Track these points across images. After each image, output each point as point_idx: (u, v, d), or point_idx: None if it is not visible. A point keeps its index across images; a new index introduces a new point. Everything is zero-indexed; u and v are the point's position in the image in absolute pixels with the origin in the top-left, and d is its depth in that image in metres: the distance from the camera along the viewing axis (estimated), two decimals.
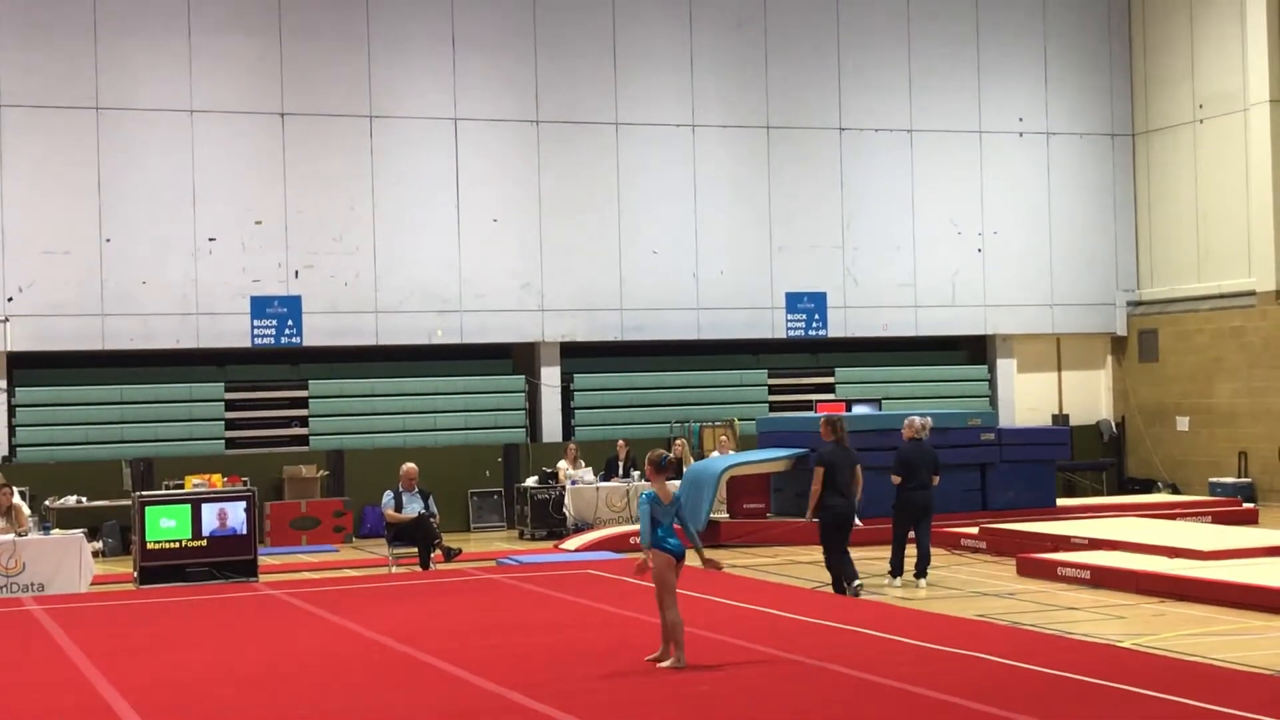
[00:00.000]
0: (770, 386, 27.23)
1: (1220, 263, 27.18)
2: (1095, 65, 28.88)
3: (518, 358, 26.14)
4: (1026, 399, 28.63)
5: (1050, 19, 28.60)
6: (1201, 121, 27.57)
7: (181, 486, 20.09)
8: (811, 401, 26.79)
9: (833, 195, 27.23)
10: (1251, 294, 26.41)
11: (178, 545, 17.65)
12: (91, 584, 17.31)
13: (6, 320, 22.88)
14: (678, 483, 16.59)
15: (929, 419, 16.85)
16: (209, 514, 17.80)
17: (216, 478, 20.77)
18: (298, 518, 23.06)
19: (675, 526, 11.25)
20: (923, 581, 16.15)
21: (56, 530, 17.98)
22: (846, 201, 27.29)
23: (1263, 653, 11.55)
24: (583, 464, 23.81)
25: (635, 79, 26.16)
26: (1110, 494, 27.36)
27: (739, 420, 25.69)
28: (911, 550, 16.44)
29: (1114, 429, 28.90)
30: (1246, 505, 23.80)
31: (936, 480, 16.48)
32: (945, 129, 27.88)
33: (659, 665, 11.04)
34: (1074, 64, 28.75)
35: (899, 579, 16.22)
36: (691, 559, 11.61)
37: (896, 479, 16.33)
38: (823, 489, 15.26)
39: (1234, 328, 26.79)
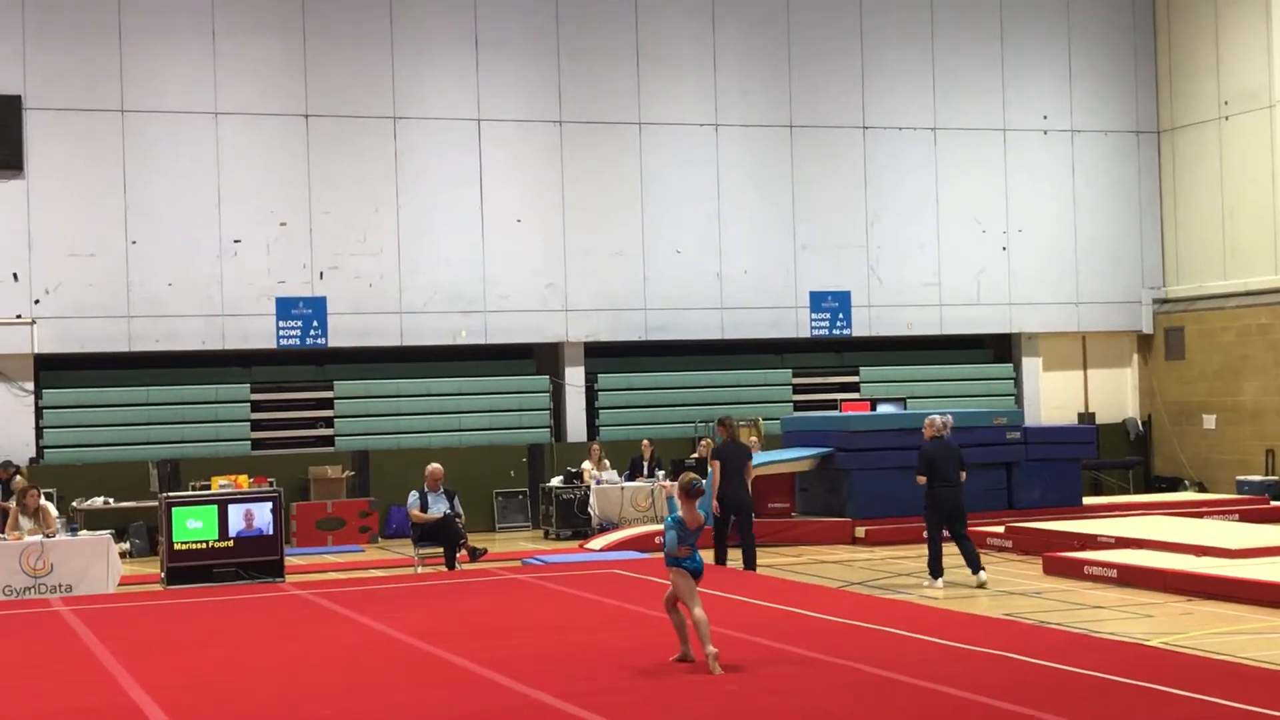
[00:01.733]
0: (795, 386, 27.20)
1: (1246, 260, 27.05)
2: (1120, 62, 28.78)
3: (542, 358, 26.15)
4: (1052, 397, 28.54)
5: (1074, 16, 28.50)
6: (1227, 118, 27.45)
7: (208, 487, 20.14)
8: (836, 401, 26.77)
9: (856, 194, 27.18)
10: (1278, 291, 26.27)
11: (204, 546, 17.70)
12: (119, 585, 17.38)
13: (33, 322, 22.99)
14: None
15: (949, 417, 16.75)
16: (235, 515, 17.85)
17: (243, 478, 20.82)
18: (324, 518, 23.13)
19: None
20: (982, 574, 15.97)
21: (84, 531, 18.06)
22: (870, 200, 27.24)
23: None
24: (607, 464, 23.82)
25: (658, 79, 26.15)
26: (1137, 492, 27.27)
27: (763, 420, 25.67)
28: (950, 549, 16.26)
29: (1140, 427, 28.80)
30: (1274, 503, 23.69)
31: (964, 476, 16.37)
32: (969, 127, 27.80)
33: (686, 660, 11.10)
34: (1098, 61, 28.64)
35: (940, 580, 15.99)
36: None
37: (921, 479, 16.22)
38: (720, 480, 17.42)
39: (1261, 325, 26.66)
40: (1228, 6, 27.41)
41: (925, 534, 16.43)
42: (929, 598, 15.28)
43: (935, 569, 16.10)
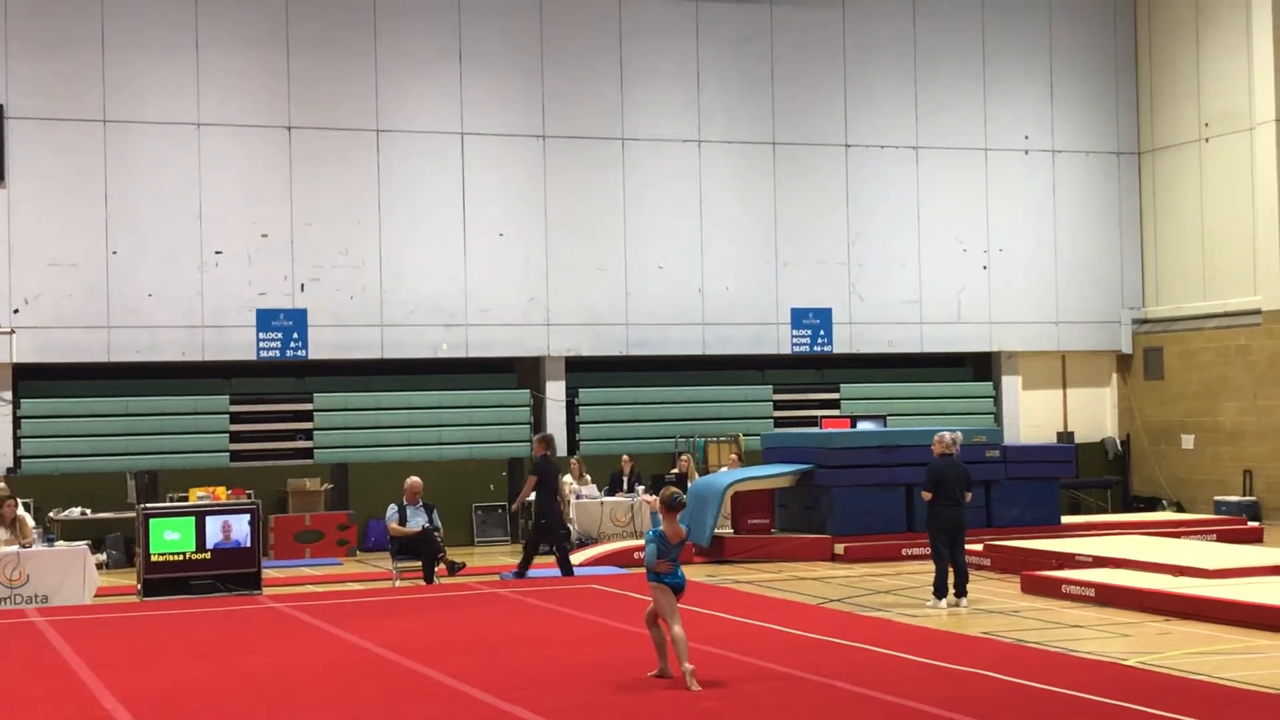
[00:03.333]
0: (775, 402, 27.22)
1: (1225, 281, 27.16)
2: (1101, 83, 28.91)
3: (523, 372, 26.13)
4: (1031, 416, 28.59)
5: (1056, 37, 28.63)
6: (1207, 140, 27.58)
7: (186, 499, 20.09)
8: (817, 417, 26.79)
9: (838, 211, 27.24)
10: (1257, 313, 26.39)
11: (182, 558, 17.65)
12: (95, 596, 17.30)
13: (13, 332, 22.89)
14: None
15: (959, 434, 16.54)
16: (213, 526, 17.80)
17: (221, 490, 20.78)
18: (302, 531, 23.05)
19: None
20: (964, 601, 15.79)
21: (61, 542, 17.97)
22: (852, 218, 27.30)
23: (1268, 671, 11.53)
24: (588, 478, 23.80)
25: (641, 94, 26.19)
26: (1115, 512, 27.31)
27: (744, 436, 25.69)
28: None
29: (1119, 447, 28.87)
30: (1251, 524, 23.76)
31: (969, 496, 16.27)
32: (951, 146, 27.90)
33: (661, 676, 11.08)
34: (1080, 82, 28.77)
35: (944, 600, 15.76)
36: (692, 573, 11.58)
37: (927, 495, 16.06)
38: (539, 493, 18.93)
39: (1239, 346, 26.77)
40: (1209, 29, 27.56)
41: (930, 552, 16.18)
42: (929, 616, 15.15)
43: (940, 589, 15.85)
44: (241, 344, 24.00)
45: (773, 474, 21.86)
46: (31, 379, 23.59)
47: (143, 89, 23.72)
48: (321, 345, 24.37)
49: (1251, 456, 26.46)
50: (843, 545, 20.81)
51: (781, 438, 23.52)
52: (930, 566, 16.37)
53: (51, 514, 21.38)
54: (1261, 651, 12.58)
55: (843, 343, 27.12)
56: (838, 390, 27.60)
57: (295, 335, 24.18)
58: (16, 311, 23.00)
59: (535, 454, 19.48)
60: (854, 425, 25.97)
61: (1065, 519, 23.07)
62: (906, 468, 20.73)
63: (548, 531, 19.11)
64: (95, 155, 23.40)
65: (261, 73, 24.27)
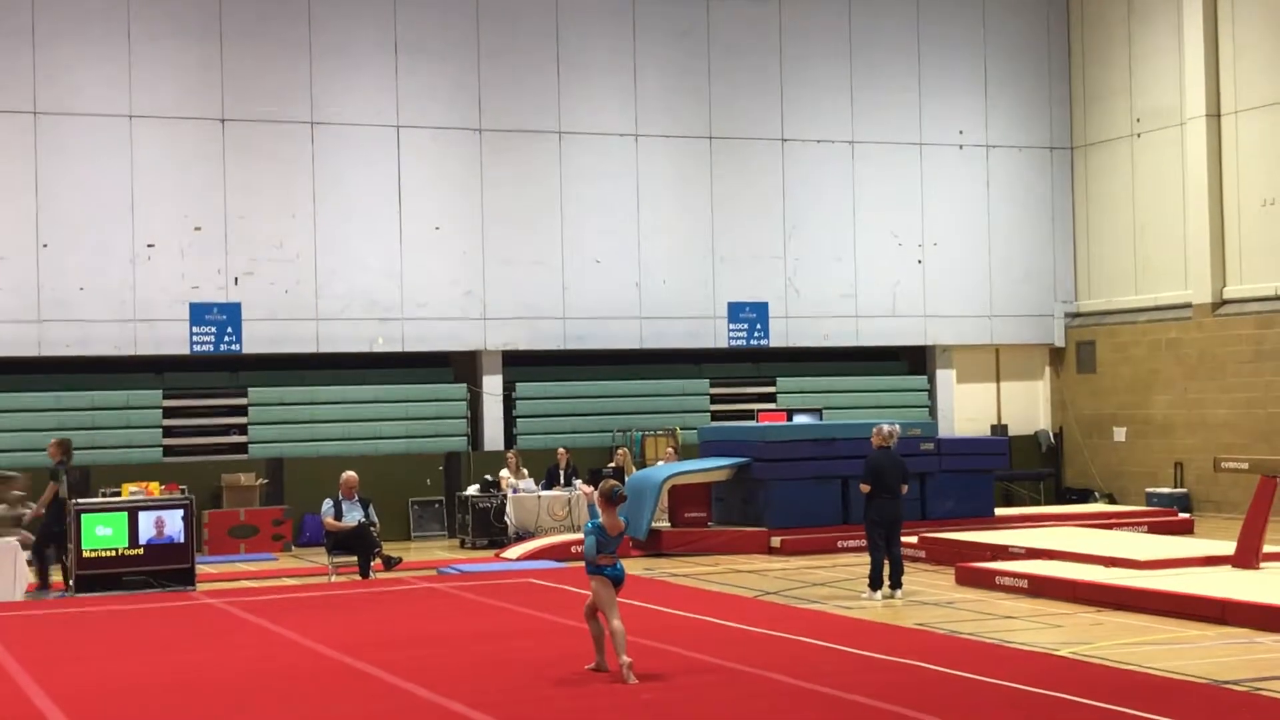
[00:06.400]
0: (712, 396, 27.28)
1: (1157, 275, 27.45)
2: (1035, 79, 29.14)
3: (459, 366, 26.05)
4: (965, 409, 28.80)
5: (990, 33, 28.83)
6: (1139, 136, 27.86)
7: (118, 494, 19.90)
8: (753, 411, 26.88)
9: (775, 206, 27.32)
10: (1188, 306, 26.68)
11: (114, 553, 17.48)
12: (26, 592, 17.12)
13: None
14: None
15: (897, 426, 16.58)
16: (146, 522, 17.65)
17: (154, 485, 20.60)
18: (236, 526, 22.90)
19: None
20: (898, 592, 15.88)
21: None
22: (788, 212, 27.39)
23: (1198, 661, 11.68)
24: (525, 473, 23.77)
25: (579, 88, 26.16)
26: (1048, 504, 27.56)
27: (681, 429, 25.74)
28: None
29: (1052, 439, 29.13)
30: (1182, 515, 24.05)
31: (905, 489, 16.34)
32: (886, 141, 28.03)
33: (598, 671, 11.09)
34: (1014, 78, 28.99)
35: (879, 593, 15.81)
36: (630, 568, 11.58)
37: (865, 487, 16.09)
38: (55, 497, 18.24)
39: (1170, 340, 27.06)
40: (1141, 27, 27.83)
41: (867, 544, 16.19)
42: (864, 608, 15.24)
43: (875, 581, 15.90)
44: (174, 338, 23.78)
45: (709, 467, 21.92)
46: None
47: (74, 80, 23.45)
48: (255, 339, 24.19)
49: (1182, 449, 26.76)
50: (779, 538, 20.90)
51: (718, 431, 23.59)
52: (865, 559, 16.49)
53: None
54: (1192, 642, 12.74)
55: (779, 336, 27.21)
56: (774, 384, 27.70)
57: (229, 329, 23.99)
58: None
59: (53, 458, 18.55)
60: (790, 419, 26.09)
61: (999, 511, 23.29)
62: (842, 460, 20.86)
63: (61, 538, 18.05)
64: (25, 147, 23.11)
65: (194, 64, 24.05)
